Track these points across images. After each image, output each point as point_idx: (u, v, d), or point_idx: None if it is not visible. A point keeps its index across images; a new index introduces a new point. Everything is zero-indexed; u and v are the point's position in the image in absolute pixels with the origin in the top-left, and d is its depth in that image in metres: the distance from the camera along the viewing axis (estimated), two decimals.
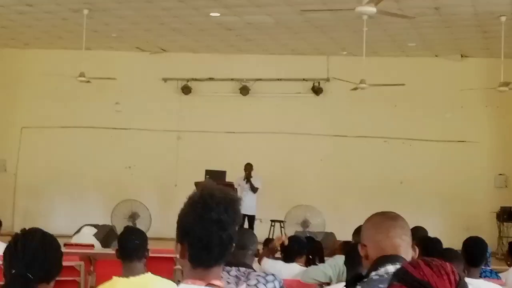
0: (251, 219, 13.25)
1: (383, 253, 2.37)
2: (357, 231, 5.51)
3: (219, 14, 12.10)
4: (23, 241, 2.58)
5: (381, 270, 2.31)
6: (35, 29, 13.86)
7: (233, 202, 2.11)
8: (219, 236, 2.06)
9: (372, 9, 7.29)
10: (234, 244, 2.12)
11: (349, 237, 6.76)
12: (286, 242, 5.22)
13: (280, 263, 5.34)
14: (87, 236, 8.89)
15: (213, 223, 2.05)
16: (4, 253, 2.64)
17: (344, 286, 2.35)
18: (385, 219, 2.48)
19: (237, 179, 13.40)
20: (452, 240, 6.54)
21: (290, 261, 5.34)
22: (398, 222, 2.47)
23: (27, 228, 2.71)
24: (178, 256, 2.14)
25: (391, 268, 2.27)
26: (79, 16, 12.25)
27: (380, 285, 2.22)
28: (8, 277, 2.57)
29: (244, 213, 13.14)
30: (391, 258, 2.33)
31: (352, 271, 4.10)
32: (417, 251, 2.46)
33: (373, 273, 2.32)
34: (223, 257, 2.11)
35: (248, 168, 13.40)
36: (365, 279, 2.31)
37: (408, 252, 2.41)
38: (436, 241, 5.57)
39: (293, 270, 5.30)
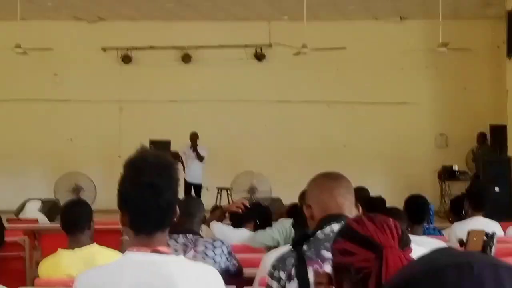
0: (198, 187, 13.26)
1: (327, 212, 2.39)
2: (303, 194, 5.55)
3: None
4: None
5: (327, 229, 2.34)
6: None
7: (167, 166, 2.08)
8: (155, 201, 2.03)
9: None
10: (176, 211, 2.10)
11: (295, 201, 6.82)
12: (244, 205, 5.18)
13: (229, 228, 5.34)
14: (32, 210, 8.73)
15: (145, 187, 2.02)
16: None
17: (291, 246, 2.36)
18: (328, 180, 2.50)
19: (182, 148, 13.35)
20: (395, 200, 6.65)
21: (239, 227, 5.35)
22: (341, 182, 2.49)
23: None
24: (120, 223, 2.11)
25: (336, 227, 2.29)
26: None
27: (326, 243, 2.24)
28: None
29: (191, 181, 13.15)
30: (336, 217, 2.36)
31: (299, 233, 4.13)
32: (361, 210, 2.49)
33: (319, 232, 2.34)
34: (164, 223, 2.08)
35: (194, 137, 13.36)
36: (311, 238, 2.32)
37: (352, 211, 2.44)
38: (380, 200, 5.66)
39: (242, 235, 5.31)
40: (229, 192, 13.86)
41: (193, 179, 13.22)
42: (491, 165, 12.10)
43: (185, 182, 12.83)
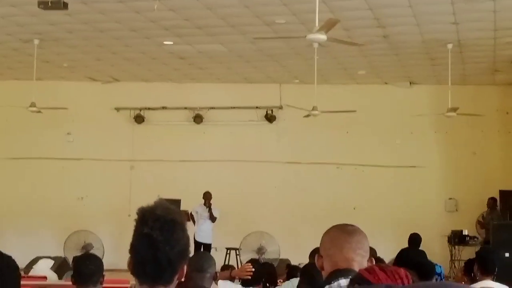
0: (208, 247, 13.22)
1: (336, 266, 2.41)
2: (313, 253, 5.57)
3: (171, 43, 12.14)
4: None
5: (334, 284, 2.36)
6: None
7: (172, 223, 2.09)
8: (152, 254, 2.04)
9: (322, 36, 7.43)
10: (180, 269, 2.10)
11: (304, 262, 6.80)
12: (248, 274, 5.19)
13: (238, 287, 5.34)
14: (44, 269, 8.74)
15: (144, 237, 2.05)
16: None
17: None
18: (341, 234, 2.52)
19: (195, 206, 13.40)
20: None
21: (247, 286, 5.35)
22: (354, 236, 2.50)
23: None
24: (128, 268, 2.16)
25: (343, 282, 2.32)
26: (29, 46, 12.14)
27: None
28: None
29: (201, 241, 13.12)
30: (344, 272, 2.37)
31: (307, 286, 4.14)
32: (374, 263, 2.50)
33: (327, 286, 2.36)
34: (163, 278, 2.08)
35: (208, 196, 13.42)
36: None
37: (363, 265, 2.44)
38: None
39: None
40: (238, 252, 13.80)
41: (204, 238, 13.21)
42: (501, 230, 12.04)
43: (195, 241, 12.82)
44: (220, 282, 4.96)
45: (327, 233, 2.55)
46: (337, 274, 2.38)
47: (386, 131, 15.14)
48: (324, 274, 2.45)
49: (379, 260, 5.47)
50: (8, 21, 10.85)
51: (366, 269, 1.63)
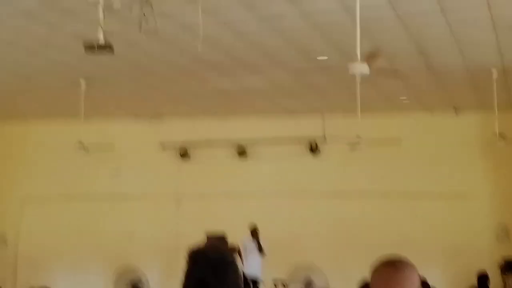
0: (255, 283, 13.15)
1: None
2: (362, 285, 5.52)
3: (215, 80, 12.26)
4: None
5: None
6: (33, 101, 14.01)
7: (225, 265, 2.09)
8: None
9: (365, 68, 7.44)
10: None
11: None
12: None
13: None
14: None
15: (195, 282, 2.05)
16: None
17: None
18: (386, 267, 2.48)
19: (242, 239, 13.40)
20: None
21: None
22: (399, 270, 2.45)
23: None
24: None
25: None
26: (76, 87, 12.39)
27: None
28: None
29: (250, 275, 13.07)
30: None
31: None
32: None
33: None
34: None
35: (256, 228, 13.41)
36: None
37: None
38: None
39: None
40: (285, 285, 13.72)
41: (252, 273, 13.15)
42: None
43: (244, 276, 12.77)
44: None
45: (374, 266, 2.53)
46: None
47: (432, 160, 14.94)
48: None
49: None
50: (54, 62, 11.12)
51: None
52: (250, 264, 13.18)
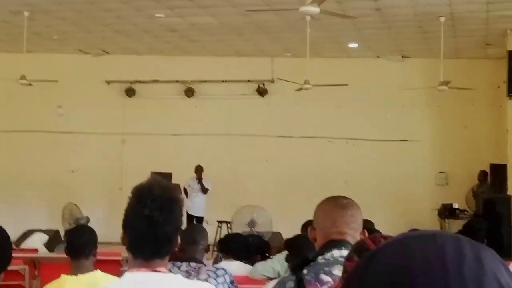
0: (200, 220, 13.30)
1: (329, 238, 2.43)
2: (305, 226, 5.60)
3: (163, 15, 12.05)
4: None
5: (327, 255, 2.37)
6: None
7: (170, 201, 2.11)
8: (152, 233, 2.07)
9: (315, 9, 7.38)
10: (175, 241, 2.14)
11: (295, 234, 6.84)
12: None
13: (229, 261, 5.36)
14: (36, 242, 8.74)
15: (144, 218, 2.06)
16: None
17: (291, 270, 2.39)
18: (333, 206, 2.52)
19: (187, 180, 13.44)
20: None
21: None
22: (347, 210, 2.50)
23: None
24: (122, 243, 2.18)
25: (337, 253, 2.34)
26: (19, 19, 12.02)
27: (325, 268, 2.28)
28: None
29: (193, 214, 13.18)
30: (337, 243, 2.39)
31: (297, 259, 4.16)
32: (367, 236, 2.51)
33: (320, 257, 2.38)
34: (160, 252, 2.12)
35: (199, 169, 13.52)
36: (312, 263, 2.36)
37: (356, 238, 2.46)
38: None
39: (241, 267, 5.33)
40: (229, 225, 13.85)
41: (196, 212, 13.28)
42: (491, 203, 12.12)
43: (188, 214, 12.88)
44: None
45: (321, 206, 2.55)
46: (330, 245, 2.39)
47: (377, 105, 15.14)
48: (317, 246, 2.46)
49: (374, 232, 5.49)
50: None
51: (370, 238, 1.64)
52: (193, 202, 13.29)
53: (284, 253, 5.31)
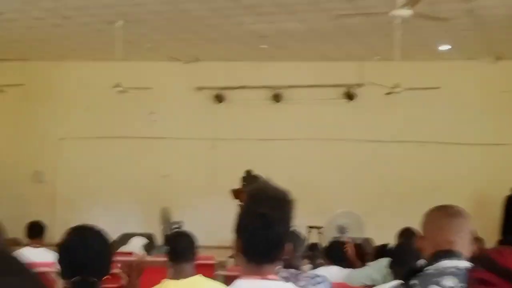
0: None
1: (437, 248, 2.40)
2: (401, 234, 5.52)
3: (252, 22, 12.16)
4: (80, 238, 2.61)
5: (437, 265, 2.34)
6: (71, 41, 14.08)
7: (284, 200, 2.13)
8: (265, 232, 2.08)
9: (408, 12, 7.28)
10: (285, 247, 2.14)
11: (386, 241, 6.75)
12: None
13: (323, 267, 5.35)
14: (137, 246, 8.98)
15: (258, 218, 2.08)
16: (61, 255, 2.65)
17: (402, 280, 2.38)
18: (442, 215, 2.50)
19: None
20: (489, 244, 6.49)
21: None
22: (456, 219, 2.47)
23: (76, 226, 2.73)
24: (235, 250, 2.19)
25: (447, 263, 2.31)
26: (114, 28, 12.41)
27: (435, 279, 2.25)
28: (69, 280, 2.60)
29: None
30: (447, 253, 2.36)
31: (399, 271, 4.11)
32: (484, 243, 2.47)
33: (429, 267, 2.35)
34: (272, 256, 2.13)
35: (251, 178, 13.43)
36: (421, 273, 2.33)
37: (465, 247, 2.42)
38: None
39: (336, 273, 5.31)
40: (319, 231, 13.80)
41: None
42: None
43: None
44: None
45: (429, 214, 2.53)
46: (439, 255, 2.37)
47: (470, 108, 14.76)
48: (425, 255, 2.44)
49: (478, 240, 5.36)
50: (94, 2, 11.13)
51: (496, 251, 1.60)
52: None
53: (383, 260, 5.25)
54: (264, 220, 2.08)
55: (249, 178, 13.03)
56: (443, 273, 2.27)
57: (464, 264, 2.32)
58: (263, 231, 2.09)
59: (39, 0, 11.03)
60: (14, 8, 11.17)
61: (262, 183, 2.20)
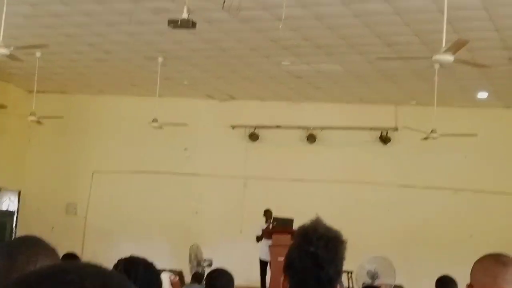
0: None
1: None
2: (439, 281, 5.41)
3: (289, 63, 12.22)
4: (128, 273, 2.60)
5: None
6: (111, 76, 14.28)
7: (335, 239, 2.09)
8: (316, 274, 2.03)
9: (449, 57, 7.25)
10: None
11: None
12: None
13: None
14: (165, 284, 8.94)
15: (309, 257, 2.03)
16: None
17: None
18: (495, 264, 2.44)
19: (261, 225, 13.31)
20: None
21: None
22: (508, 268, 2.41)
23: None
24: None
25: None
26: (153, 64, 12.56)
27: None
28: None
29: (265, 259, 13.07)
30: None
31: None
32: None
33: None
34: None
35: (269, 214, 13.36)
36: None
37: None
38: None
39: None
40: (350, 276, 13.62)
41: (267, 257, 13.04)
42: None
43: (260, 260, 12.96)
44: None
45: (480, 262, 2.47)
46: None
47: (507, 156, 14.56)
48: None
49: None
50: (135, 38, 11.29)
51: None
52: (264, 249, 13.02)
53: None
54: (315, 260, 2.03)
55: (281, 220, 12.95)
56: None
57: None
58: (315, 272, 2.04)
59: (83, 34, 11.22)
60: (58, 41, 11.38)
61: (314, 221, 2.16)
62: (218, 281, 3.56)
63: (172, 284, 4.03)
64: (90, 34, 11.19)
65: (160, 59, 12.29)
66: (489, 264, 2.43)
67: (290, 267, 2.09)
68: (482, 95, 13.80)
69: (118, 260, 2.70)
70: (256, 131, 15.93)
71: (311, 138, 15.67)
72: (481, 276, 2.40)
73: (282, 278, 2.12)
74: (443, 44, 7.12)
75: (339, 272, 2.10)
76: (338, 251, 2.09)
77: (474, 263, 2.47)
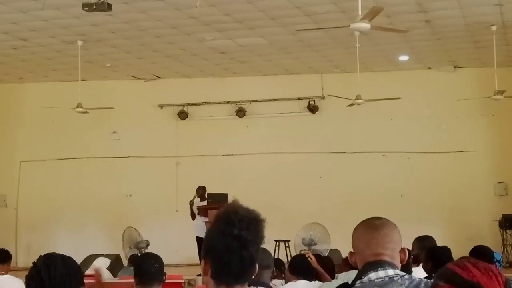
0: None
1: (365, 261, 2.42)
2: None
3: (212, 38, 12.19)
4: (47, 269, 2.59)
5: (365, 278, 2.37)
6: (30, 62, 13.93)
7: (256, 220, 2.11)
8: (240, 254, 2.07)
9: (366, 25, 7.37)
10: (256, 267, 2.13)
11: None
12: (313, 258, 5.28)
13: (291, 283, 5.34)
14: (101, 267, 8.86)
15: (233, 238, 2.06)
16: (28, 285, 2.63)
17: None
18: (366, 229, 2.50)
19: (195, 202, 13.21)
20: (457, 250, 6.54)
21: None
22: (380, 230, 2.48)
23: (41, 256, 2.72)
24: (202, 273, 2.17)
25: (373, 276, 2.34)
26: (73, 48, 12.33)
27: None
28: None
29: (201, 236, 13.02)
30: (373, 265, 2.38)
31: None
32: (407, 255, 2.49)
33: (358, 281, 2.37)
34: (244, 276, 2.11)
35: (203, 191, 13.22)
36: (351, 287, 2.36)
37: (394, 258, 2.44)
38: (445, 250, 5.60)
39: (304, 287, 5.31)
40: (287, 244, 13.82)
41: (203, 233, 12.93)
42: None
43: (196, 237, 12.75)
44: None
45: (356, 229, 2.55)
46: (366, 268, 2.39)
47: (431, 117, 14.97)
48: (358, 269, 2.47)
49: (442, 250, 5.40)
50: (52, 23, 11.03)
51: (458, 265, 1.60)
52: (199, 226, 12.86)
53: (351, 272, 5.27)
54: (239, 241, 2.07)
55: (215, 195, 12.95)
56: (370, 285, 2.31)
57: (392, 273, 2.36)
58: (238, 252, 2.08)
59: None
60: None
61: (233, 204, 2.18)
62: (146, 266, 3.56)
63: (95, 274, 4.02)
64: (4, 22, 10.87)
65: (79, 43, 12.06)
66: (362, 230, 2.51)
67: (211, 250, 2.11)
68: (403, 58, 14.10)
69: (38, 257, 2.69)
70: (185, 109, 15.87)
71: (241, 112, 15.72)
72: (357, 243, 2.49)
73: (202, 263, 2.14)
74: (359, 12, 7.23)
75: (258, 251, 2.14)
76: (259, 230, 2.12)
77: (353, 231, 2.55)
